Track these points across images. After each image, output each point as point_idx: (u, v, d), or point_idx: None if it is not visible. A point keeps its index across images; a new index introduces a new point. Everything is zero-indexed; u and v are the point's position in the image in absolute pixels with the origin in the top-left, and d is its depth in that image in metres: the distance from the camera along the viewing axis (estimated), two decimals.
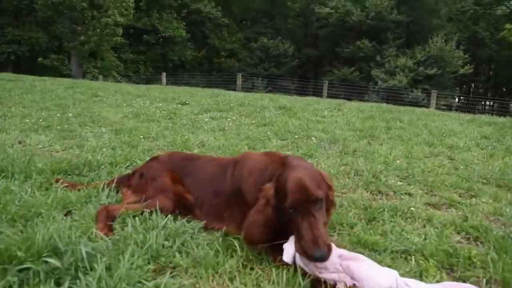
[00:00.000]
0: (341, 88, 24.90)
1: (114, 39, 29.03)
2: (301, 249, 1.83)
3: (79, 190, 2.89)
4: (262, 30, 41.33)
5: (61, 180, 2.99)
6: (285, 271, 1.85)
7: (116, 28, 28.37)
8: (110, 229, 2.26)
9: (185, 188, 2.65)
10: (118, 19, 27.72)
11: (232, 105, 7.72)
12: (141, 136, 4.80)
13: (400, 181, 3.45)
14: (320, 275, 1.79)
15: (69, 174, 3.36)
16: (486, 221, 2.68)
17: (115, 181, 2.99)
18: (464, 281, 1.93)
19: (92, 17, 28.27)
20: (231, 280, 1.83)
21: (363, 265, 1.84)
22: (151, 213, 2.37)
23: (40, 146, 4.30)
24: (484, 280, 1.93)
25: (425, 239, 2.32)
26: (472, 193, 3.29)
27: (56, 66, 28.59)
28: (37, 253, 1.82)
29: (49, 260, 1.77)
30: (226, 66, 38.93)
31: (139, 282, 1.71)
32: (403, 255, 2.14)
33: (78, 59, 29.40)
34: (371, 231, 2.40)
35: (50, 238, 1.92)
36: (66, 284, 1.66)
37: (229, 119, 6.43)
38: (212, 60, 42.24)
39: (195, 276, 1.86)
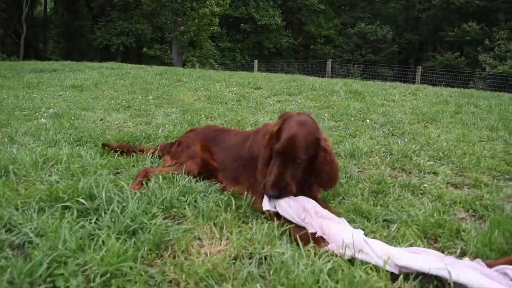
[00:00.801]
0: (444, 75, 23.37)
1: (211, 28, 30.45)
2: (263, 185, 2.25)
3: (124, 150, 3.42)
4: (360, 15, 40.28)
5: (107, 145, 3.54)
6: (266, 223, 2.11)
7: (213, 18, 29.74)
8: (141, 185, 2.69)
9: (211, 155, 3.01)
10: (215, 9, 29.01)
11: (302, 89, 7.92)
12: (203, 116, 5.27)
13: (431, 161, 3.44)
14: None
15: (130, 143, 3.91)
16: (502, 202, 2.65)
17: (159, 148, 3.47)
18: (442, 251, 2.02)
19: (191, 8, 29.91)
20: (221, 229, 2.14)
21: (333, 224, 2.04)
22: (178, 175, 2.77)
23: (116, 122, 4.96)
24: (459, 251, 2.00)
25: (424, 212, 2.39)
26: (508, 176, 3.19)
27: (158, 55, 30.87)
28: (76, 196, 2.30)
29: (83, 201, 2.25)
30: (322, 53, 38.62)
31: (143, 222, 2.08)
32: (389, 223, 2.26)
33: (178, 48, 31.36)
34: (371, 202, 2.53)
35: (89, 187, 2.41)
36: (93, 219, 2.10)
37: (294, 102, 6.67)
38: (308, 47, 42.21)
39: (194, 223, 2.20)
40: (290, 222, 2.12)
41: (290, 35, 39.14)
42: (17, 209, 2.22)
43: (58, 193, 2.35)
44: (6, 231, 2.03)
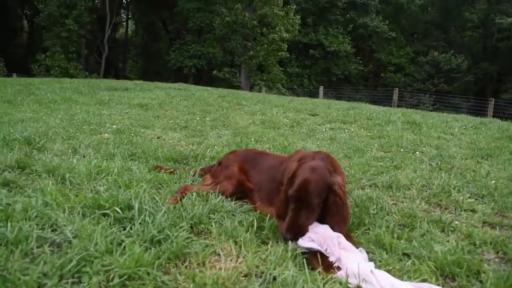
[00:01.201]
0: None
1: (280, 53, 31.09)
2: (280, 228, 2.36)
3: (172, 173, 3.66)
4: (433, 43, 39.14)
5: (160, 167, 3.79)
6: (283, 245, 2.21)
7: (281, 44, 30.41)
8: (177, 201, 2.89)
9: (248, 177, 3.16)
10: (284, 35, 29.65)
11: (358, 118, 7.89)
12: (253, 139, 5.46)
13: (472, 198, 3.33)
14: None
15: (178, 162, 4.18)
16: None
17: (201, 168, 3.69)
18: None
19: (261, 34, 30.80)
20: (240, 247, 2.26)
21: (349, 254, 2.09)
22: (212, 194, 2.95)
23: (171, 141, 5.29)
24: None
25: (452, 251, 2.34)
26: None
27: (227, 78, 31.91)
28: (116, 205, 2.54)
29: (119, 210, 2.48)
30: (392, 81, 37.83)
31: (167, 234, 2.26)
32: (407, 258, 2.25)
33: (246, 72, 32.28)
34: (395, 235, 2.53)
35: (128, 198, 2.65)
36: (127, 227, 2.32)
37: (346, 130, 6.68)
38: (378, 75, 41.60)
39: (216, 240, 2.34)
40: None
41: (360, 61, 38.78)
42: (64, 212, 2.49)
43: (100, 202, 2.60)
44: (51, 230, 2.29)
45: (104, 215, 2.50)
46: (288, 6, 32.45)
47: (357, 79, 40.93)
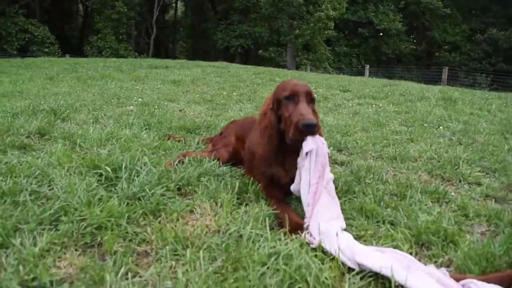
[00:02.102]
0: None
1: (326, 32, 30.47)
2: (293, 128, 2.23)
3: (179, 141, 3.76)
4: (491, 20, 36.77)
5: (169, 136, 3.91)
6: (258, 207, 2.23)
7: (328, 22, 29.74)
8: (172, 164, 2.97)
9: (243, 144, 3.19)
10: (331, 13, 28.96)
11: (391, 94, 7.65)
12: None
13: (481, 172, 3.18)
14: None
15: (190, 132, 4.28)
16: None
17: (206, 138, 3.77)
18: (429, 259, 1.94)
19: (307, 12, 30.25)
20: (219, 206, 2.31)
21: (324, 209, 2.07)
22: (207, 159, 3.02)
23: (192, 113, 5.39)
24: (444, 260, 1.89)
25: (434, 220, 2.25)
26: None
27: (273, 57, 31.74)
28: (110, 166, 2.66)
29: (108, 169, 2.59)
30: (446, 60, 36.10)
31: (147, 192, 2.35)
32: (381, 225, 2.20)
33: (293, 51, 31.94)
34: (382, 203, 2.47)
35: (122, 160, 2.76)
36: (119, 184, 2.43)
37: (374, 105, 6.50)
38: (431, 54, 39.84)
39: (199, 200, 2.40)
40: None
41: (413, 40, 37.20)
42: (62, 171, 2.64)
43: (95, 162, 2.73)
44: (48, 186, 2.44)
45: (100, 174, 2.62)
46: None
47: (408, 59, 39.39)
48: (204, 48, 41.71)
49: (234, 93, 7.23)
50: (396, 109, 6.11)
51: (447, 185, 2.94)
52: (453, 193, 2.69)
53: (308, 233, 1.99)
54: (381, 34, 36.16)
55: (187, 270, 1.67)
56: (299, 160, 2.28)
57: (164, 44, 46.84)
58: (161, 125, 4.37)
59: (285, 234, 2.00)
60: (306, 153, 2.18)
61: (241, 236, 1.98)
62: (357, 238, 2.05)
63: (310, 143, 2.18)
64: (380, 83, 10.03)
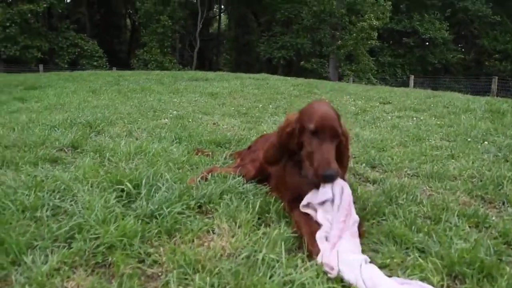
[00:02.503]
0: None
1: (369, 42, 29.95)
2: (313, 170, 2.13)
3: (207, 155, 3.71)
4: None
5: (199, 150, 3.87)
6: (277, 229, 2.12)
7: (371, 32, 29.24)
8: (203, 178, 2.90)
9: None
10: (374, 23, 28.47)
11: (433, 106, 7.32)
12: None
13: None
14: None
15: (220, 146, 4.23)
16: None
17: (235, 152, 3.69)
18: None
19: (349, 22, 29.90)
20: (240, 227, 2.21)
21: (346, 241, 1.93)
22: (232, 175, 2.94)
23: (225, 126, 5.36)
24: None
25: (470, 249, 2.04)
26: None
27: (315, 69, 31.53)
28: (132, 181, 2.63)
29: (129, 185, 2.56)
30: (496, 69, 34.55)
31: (164, 210, 2.29)
32: (414, 252, 2.03)
33: (335, 62, 31.60)
34: (414, 227, 2.29)
35: (144, 175, 2.73)
36: (137, 202, 2.39)
37: (415, 118, 6.23)
38: (481, 63, 38.26)
39: (218, 219, 2.32)
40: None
41: (461, 49, 35.92)
42: (86, 185, 2.64)
43: (118, 177, 2.71)
44: (70, 202, 2.44)
45: (122, 190, 2.60)
46: None
47: (456, 68, 38.01)
48: (247, 60, 42.13)
49: (270, 106, 7.15)
50: (438, 122, 5.81)
51: (488, 207, 2.71)
52: (494, 217, 2.46)
53: (326, 263, 1.86)
54: (427, 43, 35.16)
55: None
56: (309, 196, 2.18)
57: (208, 57, 47.74)
58: (192, 138, 4.34)
59: (302, 260, 1.88)
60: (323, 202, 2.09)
61: (256, 261, 1.88)
62: (382, 267, 1.89)
63: (328, 192, 2.08)
64: (423, 94, 9.65)
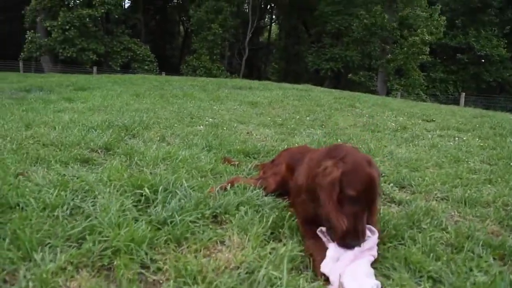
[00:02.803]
0: None
1: (421, 57, 29.14)
2: (339, 234, 2.00)
3: (234, 165, 3.72)
4: None
5: (227, 159, 3.88)
6: (285, 246, 2.08)
7: (423, 47, 28.44)
8: (222, 188, 2.90)
9: (293, 175, 3.04)
10: (426, 38, 27.68)
11: (479, 126, 6.98)
12: (340, 140, 5.22)
13: None
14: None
15: (248, 156, 4.22)
16: None
17: (260, 164, 3.68)
18: None
19: (401, 36, 29.24)
20: (248, 241, 2.19)
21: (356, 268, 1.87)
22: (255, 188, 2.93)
23: (258, 137, 5.35)
24: None
25: (488, 283, 1.91)
26: None
27: (363, 82, 31.02)
28: (153, 187, 2.68)
29: (147, 191, 2.61)
30: None
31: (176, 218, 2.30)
32: (429, 282, 1.92)
33: (384, 76, 30.97)
34: (433, 254, 2.17)
35: (165, 182, 2.78)
36: (153, 206, 2.43)
37: (457, 138, 5.96)
38: None
39: (230, 230, 2.31)
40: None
41: None
42: (108, 188, 2.70)
43: (139, 182, 2.77)
44: (91, 203, 2.51)
45: (141, 194, 2.64)
46: (433, 7, 30.20)
47: None
48: (296, 70, 42.16)
49: (308, 118, 7.09)
50: (481, 144, 5.53)
51: None
52: None
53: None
54: (483, 60, 33.72)
55: None
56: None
57: (257, 65, 48.18)
58: (222, 147, 4.36)
59: (306, 280, 1.82)
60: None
61: (263, 277, 1.85)
62: None
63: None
64: (470, 113, 9.24)
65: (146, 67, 32.37)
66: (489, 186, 3.59)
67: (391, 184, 3.45)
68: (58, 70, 27.75)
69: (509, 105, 25.64)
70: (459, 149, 5.12)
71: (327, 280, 1.85)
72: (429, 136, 6.08)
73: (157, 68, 32.88)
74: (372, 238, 2.02)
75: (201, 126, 5.70)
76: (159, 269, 1.88)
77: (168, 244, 2.09)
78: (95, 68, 26.55)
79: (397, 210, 2.89)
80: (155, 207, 2.46)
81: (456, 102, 24.17)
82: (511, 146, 5.30)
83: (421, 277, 1.97)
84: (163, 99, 8.56)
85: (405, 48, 29.03)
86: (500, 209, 2.93)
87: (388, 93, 29.41)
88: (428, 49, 29.56)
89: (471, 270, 2.03)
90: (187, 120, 6.08)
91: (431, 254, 2.17)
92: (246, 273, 1.87)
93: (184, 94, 9.66)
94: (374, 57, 31.71)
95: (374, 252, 2.01)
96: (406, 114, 8.39)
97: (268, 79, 33.69)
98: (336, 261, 1.93)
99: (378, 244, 2.11)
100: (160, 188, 2.61)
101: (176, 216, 2.27)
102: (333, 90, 15.40)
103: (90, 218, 2.21)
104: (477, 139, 5.92)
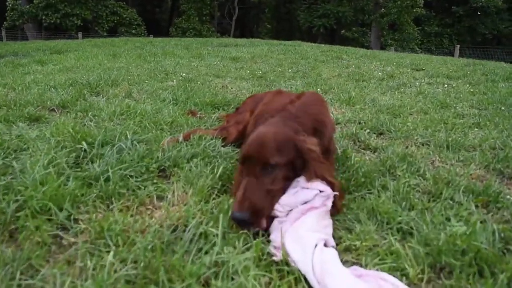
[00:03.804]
0: None
1: (414, 10, 28.28)
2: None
3: (200, 117, 3.42)
4: None
5: (192, 112, 3.56)
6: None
7: None
8: (175, 141, 2.60)
9: None
10: None
11: (470, 74, 6.64)
12: (320, 90, 4.89)
13: None
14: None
15: (217, 108, 3.91)
16: None
17: (226, 114, 3.37)
18: None
19: None
20: (192, 195, 1.90)
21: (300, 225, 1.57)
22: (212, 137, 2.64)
23: (234, 89, 5.01)
24: None
25: (466, 233, 1.62)
26: None
27: (356, 38, 30.26)
28: (96, 141, 2.38)
29: (85, 145, 2.30)
30: None
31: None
32: (391, 234, 1.65)
33: (377, 31, 30.18)
34: (404, 203, 1.89)
35: (109, 136, 2.47)
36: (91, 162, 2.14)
37: (446, 85, 5.63)
38: None
39: (176, 183, 2.02)
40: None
41: None
42: (48, 144, 2.39)
43: (79, 136, 2.45)
44: (23, 160, 2.20)
45: (85, 150, 2.34)
46: None
47: (509, 40, 35.37)
48: (288, 28, 41.02)
49: (290, 70, 6.71)
50: (472, 90, 5.21)
51: (505, 183, 2.25)
52: (509, 197, 2.01)
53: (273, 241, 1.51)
54: (478, 12, 32.78)
55: (92, 275, 1.30)
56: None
57: (249, 26, 46.86)
58: (190, 100, 4.03)
59: (246, 238, 1.54)
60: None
61: (200, 235, 1.57)
62: (348, 250, 1.55)
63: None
64: (462, 62, 8.86)
65: (133, 31, 31.30)
66: (476, 129, 3.30)
67: (368, 130, 3.15)
68: (42, 37, 26.80)
69: (505, 57, 25.08)
70: (447, 95, 4.81)
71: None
72: (417, 83, 5.74)
73: (145, 31, 31.87)
74: (319, 195, 1.69)
75: (173, 81, 5.33)
76: (80, 231, 1.60)
77: (99, 202, 1.81)
78: (80, 34, 25.64)
79: (371, 157, 2.60)
80: (92, 162, 2.17)
81: (450, 55, 23.59)
82: (503, 91, 4.98)
83: (389, 229, 1.70)
84: (140, 58, 8.12)
85: (399, 1, 28.09)
86: (487, 152, 2.64)
87: (382, 49, 28.70)
88: (422, 1, 28.63)
89: (448, 219, 1.76)
90: (160, 77, 5.70)
91: (404, 203, 1.89)
92: (184, 231, 1.59)
93: (164, 52, 9.20)
94: (367, 12, 30.75)
95: (327, 204, 1.68)
96: (394, 64, 8.01)
97: (260, 38, 32.81)
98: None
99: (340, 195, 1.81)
100: (97, 141, 2.29)
101: (110, 171, 1.97)
102: (322, 44, 14.86)
103: (12, 177, 1.92)
104: (468, 86, 5.60)
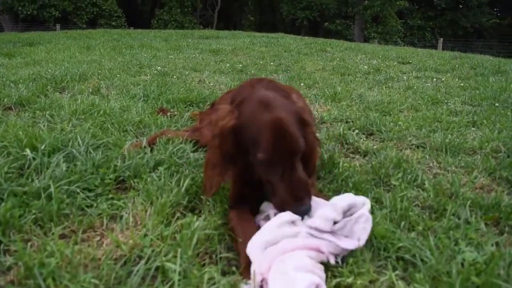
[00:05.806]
0: None
1: (398, 3, 28.21)
2: (280, 206, 1.48)
3: (171, 116, 3.09)
4: None
5: (162, 110, 3.23)
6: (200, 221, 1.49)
7: None
8: (138, 146, 2.28)
9: None
10: None
11: (458, 67, 6.43)
12: (304, 84, 4.61)
13: None
14: None
15: (191, 105, 3.59)
16: None
17: (199, 112, 3.05)
18: None
19: None
20: (152, 214, 1.59)
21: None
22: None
23: (211, 84, 4.69)
24: None
25: (485, 263, 1.36)
26: None
27: (340, 30, 30.07)
28: (46, 147, 2.04)
29: (28, 152, 1.96)
30: None
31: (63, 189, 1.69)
32: (389, 264, 1.37)
33: (361, 24, 30.04)
34: (404, 223, 1.60)
35: (64, 139, 2.13)
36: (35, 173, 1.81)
37: (435, 79, 5.40)
38: None
39: (135, 199, 1.71)
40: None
41: (497, 14, 33.57)
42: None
43: (32, 141, 2.11)
44: None
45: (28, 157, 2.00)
46: None
47: (490, 33, 35.65)
48: (271, 21, 40.61)
49: (272, 63, 6.40)
50: (462, 84, 4.98)
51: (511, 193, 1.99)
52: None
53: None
54: (460, 6, 32.90)
55: None
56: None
57: (232, 19, 46.24)
58: (162, 96, 3.70)
59: (210, 278, 1.23)
60: None
61: (157, 268, 1.26)
62: None
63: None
64: (449, 55, 8.68)
65: (113, 23, 30.45)
66: (473, 129, 3.05)
67: (356, 131, 2.86)
68: (19, 29, 25.84)
69: (486, 50, 25.16)
70: (437, 90, 4.56)
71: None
72: (405, 77, 5.50)
73: (126, 23, 31.07)
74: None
75: (148, 76, 4.98)
76: (8, 266, 1.27)
77: (38, 226, 1.48)
78: (58, 26, 24.82)
79: (362, 163, 2.31)
80: (38, 173, 1.83)
81: (433, 48, 23.54)
82: (495, 86, 4.76)
83: (387, 257, 1.40)
84: (115, 50, 7.71)
85: None
86: (489, 157, 2.37)
87: (365, 41, 28.56)
88: None
89: (456, 243, 1.47)
90: (134, 70, 5.34)
91: (402, 223, 1.60)
92: (136, 263, 1.28)
93: (141, 44, 8.79)
94: (351, 4, 30.56)
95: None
96: (380, 57, 7.77)
97: (243, 30, 32.35)
98: (269, 246, 1.32)
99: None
100: (44, 147, 1.95)
101: (52, 186, 1.64)
102: (306, 37, 14.57)
103: None
104: (457, 80, 5.37)
